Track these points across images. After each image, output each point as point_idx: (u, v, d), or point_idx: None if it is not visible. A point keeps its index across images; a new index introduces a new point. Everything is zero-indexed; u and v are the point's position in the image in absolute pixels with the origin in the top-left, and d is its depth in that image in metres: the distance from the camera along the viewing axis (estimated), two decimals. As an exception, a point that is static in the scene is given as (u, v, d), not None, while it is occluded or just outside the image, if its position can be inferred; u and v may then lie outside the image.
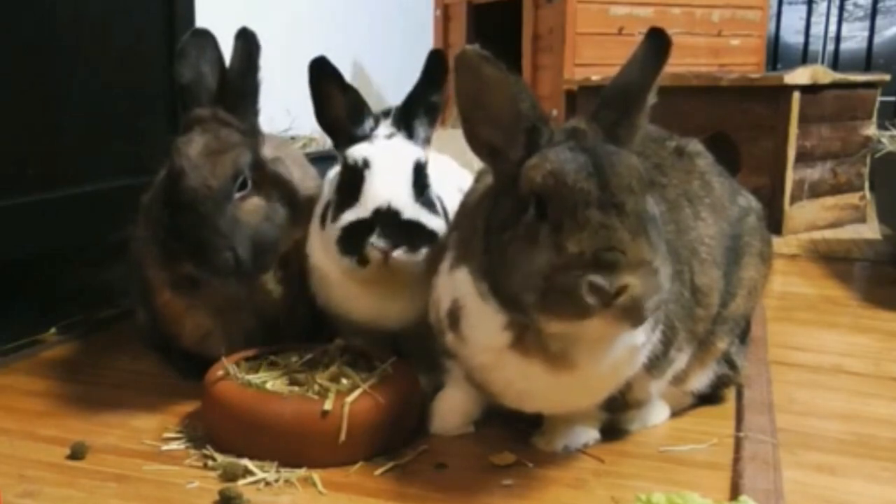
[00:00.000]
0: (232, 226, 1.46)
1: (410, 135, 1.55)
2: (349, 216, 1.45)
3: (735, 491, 1.26)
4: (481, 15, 4.74)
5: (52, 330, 1.99)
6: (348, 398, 1.34)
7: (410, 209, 1.45)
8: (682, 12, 4.35)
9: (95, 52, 2.13)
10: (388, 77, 5.26)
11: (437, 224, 1.47)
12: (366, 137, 1.53)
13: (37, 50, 1.97)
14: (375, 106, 1.60)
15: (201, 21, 2.48)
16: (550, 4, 4.16)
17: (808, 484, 1.31)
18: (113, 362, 1.82)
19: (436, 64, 1.56)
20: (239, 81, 1.58)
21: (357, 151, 1.49)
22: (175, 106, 2.38)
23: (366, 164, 1.47)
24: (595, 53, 4.06)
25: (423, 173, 1.50)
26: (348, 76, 1.53)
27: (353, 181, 1.47)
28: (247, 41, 1.59)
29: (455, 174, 1.73)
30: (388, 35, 5.42)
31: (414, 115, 1.56)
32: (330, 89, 1.53)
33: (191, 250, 1.43)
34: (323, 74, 1.52)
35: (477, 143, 1.24)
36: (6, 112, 1.90)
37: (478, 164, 1.34)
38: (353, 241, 1.44)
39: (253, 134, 1.59)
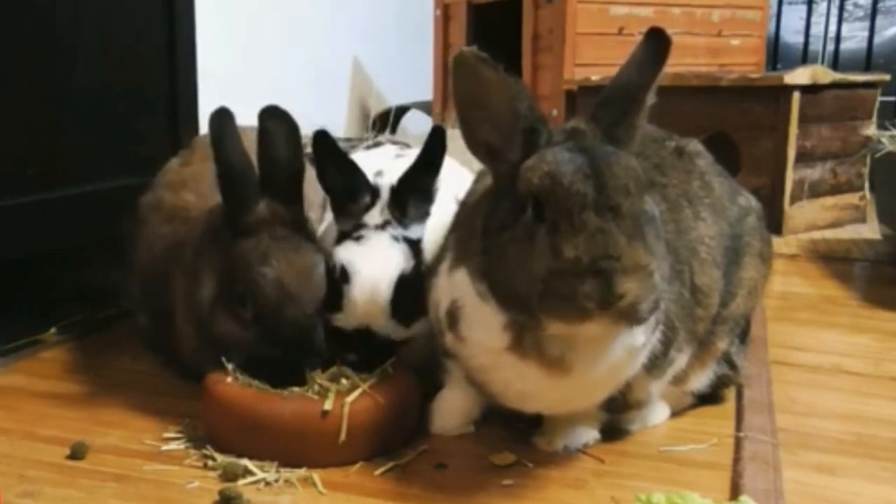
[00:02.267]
0: (321, 337, 1.45)
1: (404, 214, 1.50)
2: (334, 320, 1.46)
3: (735, 491, 1.26)
4: (481, 15, 4.74)
5: (52, 330, 1.99)
6: (348, 398, 1.34)
7: (386, 330, 1.46)
8: (682, 12, 4.34)
9: (95, 52, 2.13)
10: (388, 77, 5.28)
11: (412, 332, 1.47)
12: (362, 213, 1.49)
13: (37, 50, 1.97)
14: (375, 106, 1.60)
15: (201, 21, 2.49)
16: (550, 4, 4.16)
17: (808, 484, 1.31)
18: (113, 362, 1.82)
19: (435, 142, 1.50)
20: (289, 167, 1.48)
21: (341, 256, 1.46)
22: (175, 106, 2.39)
23: (345, 277, 1.44)
24: (595, 53, 4.06)
25: (406, 287, 1.45)
26: (348, 76, 1.52)
27: (336, 288, 1.45)
28: (284, 121, 1.48)
29: (452, 181, 1.67)
30: (388, 35, 5.42)
31: (408, 197, 1.50)
32: (327, 163, 1.50)
33: (290, 373, 1.40)
34: (323, 148, 1.49)
35: (475, 143, 1.24)
36: (6, 112, 1.90)
37: (477, 164, 1.34)
38: (337, 346, 1.47)
39: (306, 223, 1.52)
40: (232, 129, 1.46)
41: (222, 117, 1.46)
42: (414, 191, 1.51)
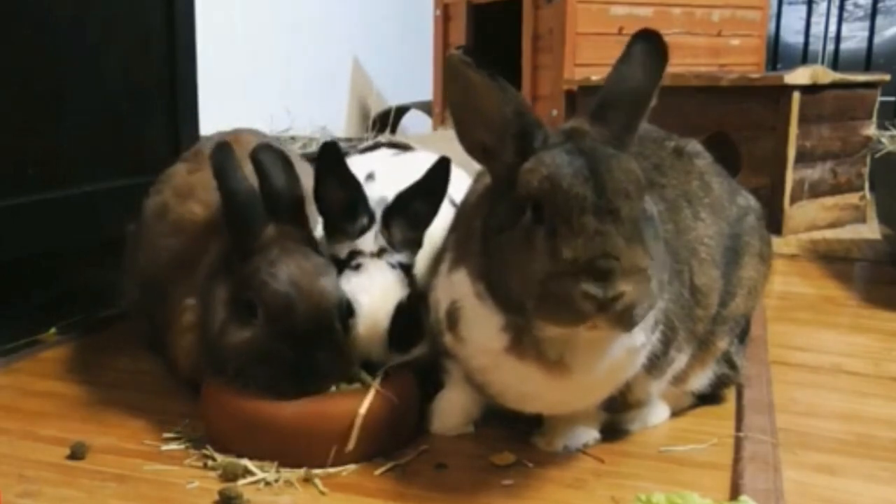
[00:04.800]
0: (344, 342, 1.42)
1: (396, 238, 1.48)
2: None
3: (735, 491, 1.26)
4: (481, 15, 4.74)
5: (52, 330, 1.99)
6: (360, 408, 1.33)
7: (384, 358, 1.45)
8: (682, 12, 4.34)
9: (96, 51, 2.14)
10: (388, 77, 5.28)
11: (405, 358, 1.47)
12: (356, 235, 1.47)
13: (37, 50, 1.97)
14: (375, 106, 1.59)
15: (201, 21, 2.49)
16: (550, 4, 4.16)
17: (808, 484, 1.31)
18: (113, 362, 1.82)
19: (437, 173, 1.48)
20: (290, 194, 1.49)
21: (345, 289, 1.44)
22: (175, 106, 2.39)
23: (350, 311, 1.43)
24: (595, 53, 4.06)
25: (403, 317, 1.45)
26: (348, 76, 1.52)
27: (342, 322, 1.44)
28: (276, 154, 1.52)
29: (453, 184, 1.62)
30: (388, 35, 5.43)
31: (401, 221, 1.49)
32: (329, 176, 1.48)
33: (317, 378, 1.37)
34: (329, 159, 1.47)
35: (470, 144, 1.24)
36: (6, 112, 1.90)
37: (475, 163, 1.34)
38: None
39: (317, 244, 1.52)
40: (232, 160, 1.46)
41: (222, 150, 1.47)
42: (407, 216, 1.48)
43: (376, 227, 1.48)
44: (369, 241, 1.47)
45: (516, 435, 1.44)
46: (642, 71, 1.24)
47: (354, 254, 1.47)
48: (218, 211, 1.55)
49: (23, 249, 1.94)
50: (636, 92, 1.24)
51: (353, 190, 1.48)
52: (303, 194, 1.52)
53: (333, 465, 1.32)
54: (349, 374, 1.41)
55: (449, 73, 1.20)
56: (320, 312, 1.38)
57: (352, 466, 1.33)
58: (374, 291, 1.44)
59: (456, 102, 1.22)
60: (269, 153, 1.51)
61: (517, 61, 4.31)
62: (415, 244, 1.50)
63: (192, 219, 1.66)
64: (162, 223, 1.70)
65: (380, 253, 1.47)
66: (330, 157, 1.47)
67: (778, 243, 2.86)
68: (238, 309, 1.40)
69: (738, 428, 1.49)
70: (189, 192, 1.71)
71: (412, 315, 1.46)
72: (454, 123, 1.24)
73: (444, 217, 1.51)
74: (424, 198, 1.49)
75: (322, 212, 1.50)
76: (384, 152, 1.85)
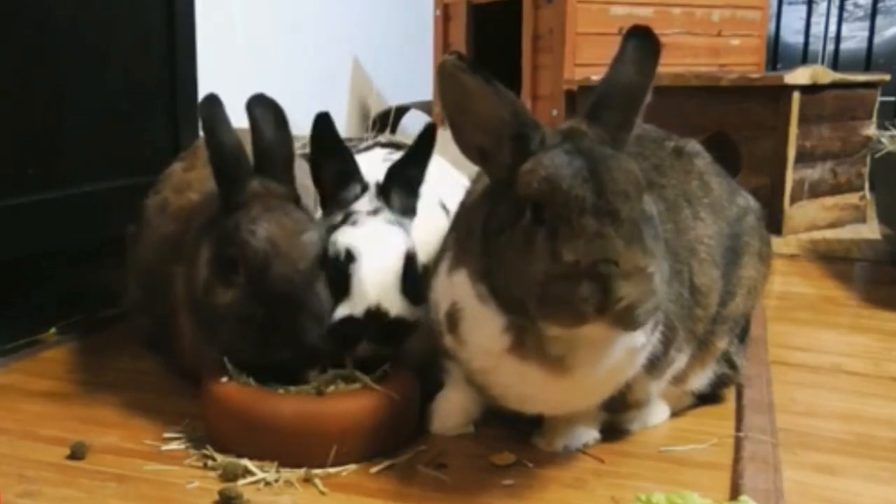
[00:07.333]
0: (322, 307, 1.42)
1: (390, 204, 1.51)
2: (342, 311, 1.41)
3: (735, 491, 1.26)
4: (481, 15, 4.74)
5: (52, 330, 1.99)
6: (350, 401, 1.34)
7: (398, 307, 1.42)
8: (682, 12, 4.34)
9: (96, 51, 2.14)
10: (388, 77, 5.28)
11: (419, 315, 1.44)
12: (350, 202, 1.49)
13: (37, 50, 1.97)
14: (375, 106, 1.61)
15: (202, 21, 2.49)
16: (550, 4, 4.16)
17: (808, 484, 1.31)
18: (113, 362, 1.82)
19: (425, 138, 1.53)
20: (278, 148, 1.52)
21: (342, 240, 1.44)
22: (175, 106, 2.39)
23: (350, 257, 1.42)
24: (595, 53, 4.06)
25: (412, 263, 1.45)
26: (348, 76, 1.53)
27: (340, 274, 1.42)
28: (270, 107, 1.54)
29: (437, 184, 1.66)
30: (388, 35, 5.42)
31: (394, 188, 1.51)
32: (323, 146, 1.50)
33: (288, 341, 1.37)
34: (321, 131, 1.49)
35: (466, 146, 1.25)
36: (6, 112, 1.90)
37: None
38: (345, 338, 1.42)
39: (299, 198, 1.54)
40: (222, 113, 1.49)
41: (212, 103, 1.50)
42: (400, 183, 1.52)
43: (371, 193, 1.51)
44: (364, 204, 1.50)
45: (516, 435, 1.44)
46: (635, 68, 1.24)
47: (349, 214, 1.48)
48: (212, 195, 1.56)
49: (23, 249, 1.94)
50: (630, 89, 1.24)
51: (345, 159, 1.51)
52: (293, 151, 1.55)
53: (333, 465, 1.32)
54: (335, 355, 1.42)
55: (443, 78, 1.20)
56: (297, 274, 1.39)
57: (352, 466, 1.33)
58: (376, 238, 1.45)
59: (451, 107, 1.22)
60: (262, 105, 1.54)
61: (517, 61, 4.31)
62: (409, 211, 1.52)
63: (189, 206, 1.69)
64: (162, 216, 1.73)
65: (375, 211, 1.49)
66: (322, 129, 1.50)
67: (778, 243, 2.87)
68: (221, 266, 1.42)
69: (738, 428, 1.49)
70: (187, 187, 1.75)
71: (418, 268, 1.46)
72: (450, 127, 1.24)
73: (435, 221, 1.52)
74: (414, 164, 1.53)
75: (316, 182, 1.53)
76: (377, 155, 1.85)
